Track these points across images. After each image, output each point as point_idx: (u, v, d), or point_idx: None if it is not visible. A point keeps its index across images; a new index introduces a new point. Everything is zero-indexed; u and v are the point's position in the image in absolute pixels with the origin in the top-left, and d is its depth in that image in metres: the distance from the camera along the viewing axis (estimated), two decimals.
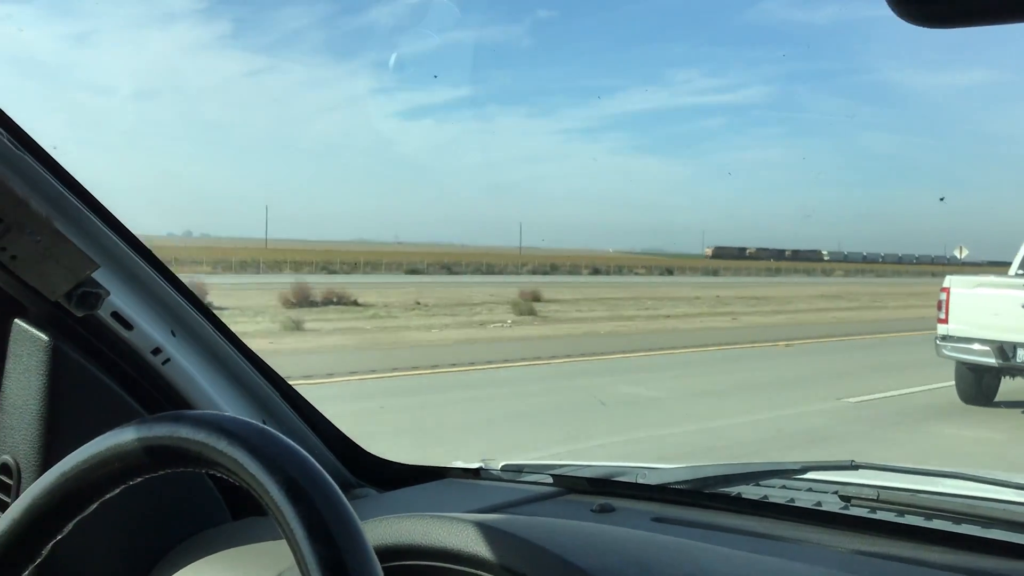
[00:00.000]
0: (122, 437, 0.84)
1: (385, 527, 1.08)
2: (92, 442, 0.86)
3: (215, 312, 1.47)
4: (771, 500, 1.45)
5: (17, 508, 0.87)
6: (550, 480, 1.64)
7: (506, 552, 1.02)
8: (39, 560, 0.88)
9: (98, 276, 1.27)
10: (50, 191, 1.21)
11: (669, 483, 1.56)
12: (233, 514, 1.48)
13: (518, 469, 1.76)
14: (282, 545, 1.33)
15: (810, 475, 1.60)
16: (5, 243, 1.18)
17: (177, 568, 1.35)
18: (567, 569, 0.98)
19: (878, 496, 1.37)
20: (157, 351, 1.37)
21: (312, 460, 0.77)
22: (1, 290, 1.27)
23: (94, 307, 1.27)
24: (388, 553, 1.08)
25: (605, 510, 1.45)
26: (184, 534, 1.42)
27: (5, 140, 1.16)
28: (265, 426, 0.80)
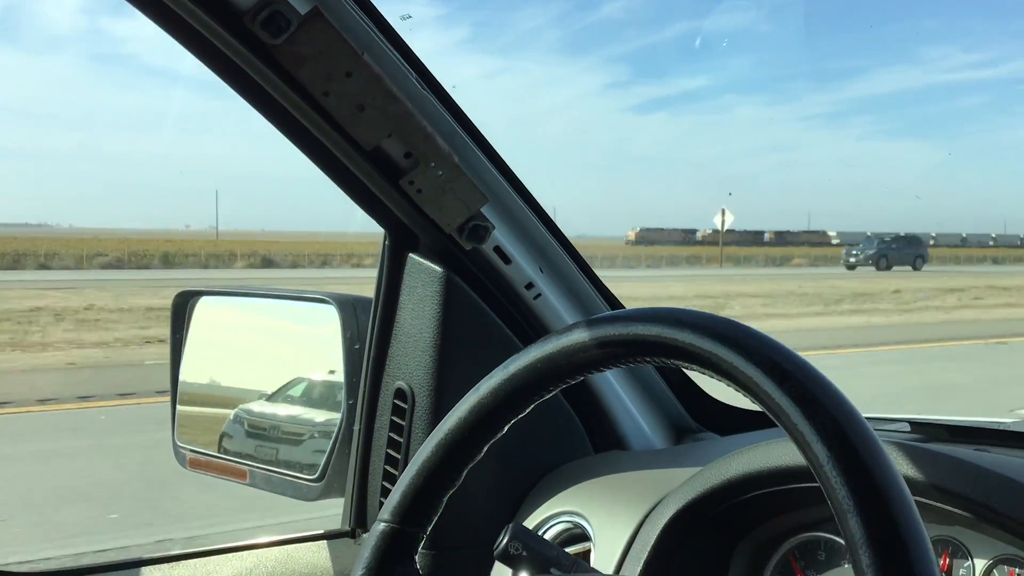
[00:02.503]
0: (572, 337, 0.86)
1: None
2: (535, 344, 0.89)
3: (582, 255, 1.51)
4: None
5: (463, 407, 0.91)
6: (907, 428, 1.57)
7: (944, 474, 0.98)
8: (477, 460, 0.92)
9: (484, 211, 1.34)
10: (446, 127, 1.28)
11: None
12: (594, 447, 1.52)
13: None
14: (649, 475, 1.37)
15: None
16: (413, 176, 1.26)
17: (548, 496, 1.40)
18: None
19: None
20: (530, 286, 1.43)
21: (789, 348, 0.76)
22: (400, 224, 1.36)
23: (482, 240, 1.34)
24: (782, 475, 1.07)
25: None
26: (551, 465, 1.47)
27: (413, 80, 1.24)
28: (731, 318, 0.80)
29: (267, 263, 39.18)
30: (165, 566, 1.35)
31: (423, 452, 0.92)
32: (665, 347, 0.80)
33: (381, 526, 0.91)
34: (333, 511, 1.60)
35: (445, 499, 0.93)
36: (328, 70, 1.13)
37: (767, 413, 0.74)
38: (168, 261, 38.26)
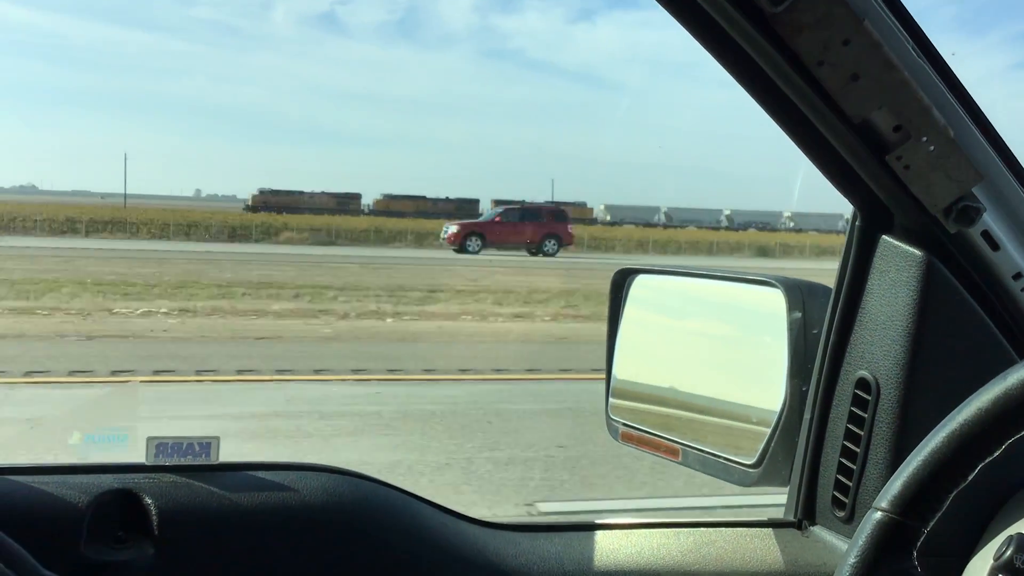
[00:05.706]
0: None
1: None
2: None
3: None
4: None
5: (984, 395, 0.82)
6: None
7: None
8: (993, 457, 0.83)
9: (975, 191, 1.22)
10: (941, 99, 1.18)
11: None
12: None
13: None
14: None
15: None
16: (901, 151, 1.17)
17: None
18: None
19: None
20: (1018, 276, 1.29)
21: None
22: (875, 203, 1.28)
23: (971, 223, 1.22)
24: None
25: None
26: None
27: (910, 47, 1.15)
28: None
29: None
30: (619, 532, 1.39)
31: (931, 441, 0.85)
32: None
33: (878, 515, 0.85)
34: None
35: (951, 495, 0.85)
36: (826, 38, 1.08)
37: None
38: None
